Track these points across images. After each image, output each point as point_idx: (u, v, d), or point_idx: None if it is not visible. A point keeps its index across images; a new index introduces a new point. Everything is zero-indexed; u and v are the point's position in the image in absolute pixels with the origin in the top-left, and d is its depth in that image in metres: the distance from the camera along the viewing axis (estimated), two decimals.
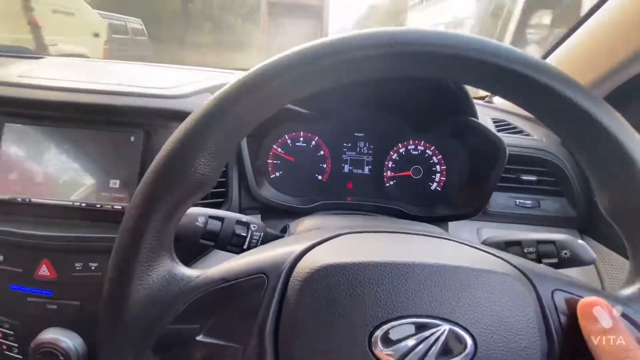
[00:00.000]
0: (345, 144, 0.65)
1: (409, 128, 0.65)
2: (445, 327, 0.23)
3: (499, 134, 0.63)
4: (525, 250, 0.38)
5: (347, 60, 0.24)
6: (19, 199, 0.52)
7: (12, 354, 0.52)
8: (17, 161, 0.53)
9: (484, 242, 0.41)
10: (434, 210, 0.63)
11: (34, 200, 0.51)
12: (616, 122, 0.24)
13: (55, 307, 0.50)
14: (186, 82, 0.60)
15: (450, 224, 0.62)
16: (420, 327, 0.23)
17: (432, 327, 0.23)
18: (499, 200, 0.63)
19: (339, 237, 0.28)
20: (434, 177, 0.65)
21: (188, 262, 0.51)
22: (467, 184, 0.63)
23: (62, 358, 0.48)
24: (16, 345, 0.52)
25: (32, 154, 0.53)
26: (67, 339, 0.49)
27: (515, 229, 0.63)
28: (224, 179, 0.56)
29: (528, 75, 0.23)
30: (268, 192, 0.60)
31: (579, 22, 0.62)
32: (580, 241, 0.38)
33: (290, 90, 0.25)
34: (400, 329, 0.23)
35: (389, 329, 0.22)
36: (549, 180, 0.63)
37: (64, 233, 0.50)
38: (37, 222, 0.50)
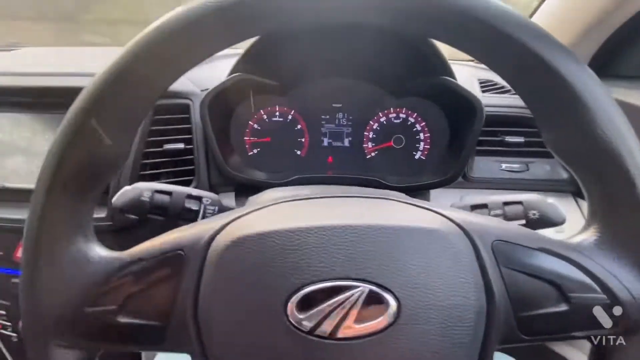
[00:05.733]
0: (323, 116, 0.63)
1: (387, 95, 0.61)
2: (365, 288, 0.21)
3: (483, 94, 0.59)
4: (492, 212, 0.36)
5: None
6: None
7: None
8: None
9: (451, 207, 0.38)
10: (417, 179, 0.60)
11: (7, 185, 0.53)
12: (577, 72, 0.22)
13: None
14: None
15: (433, 194, 0.59)
16: (338, 291, 0.21)
17: (350, 290, 0.21)
18: (482, 165, 0.59)
19: (266, 208, 0.26)
20: (417, 145, 0.62)
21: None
22: (447, 149, 0.60)
23: None
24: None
25: (6, 141, 0.54)
26: None
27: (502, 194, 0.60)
28: (191, 157, 0.55)
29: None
30: (238, 169, 0.59)
31: None
32: (549, 200, 0.35)
33: (192, 51, 0.23)
34: (317, 294, 0.21)
35: (304, 295, 0.21)
36: (538, 141, 0.58)
37: None
38: (12, 207, 0.52)
